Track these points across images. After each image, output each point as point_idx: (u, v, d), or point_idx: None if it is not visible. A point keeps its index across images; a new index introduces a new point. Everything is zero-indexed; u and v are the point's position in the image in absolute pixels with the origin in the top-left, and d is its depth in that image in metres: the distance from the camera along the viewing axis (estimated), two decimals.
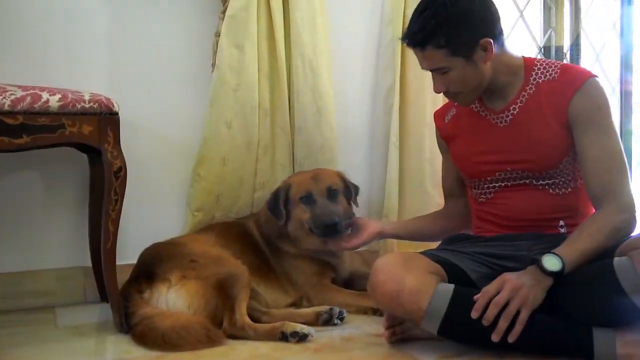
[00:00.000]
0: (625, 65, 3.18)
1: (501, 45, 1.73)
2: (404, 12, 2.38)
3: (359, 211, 2.24)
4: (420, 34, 1.68)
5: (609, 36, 3.19)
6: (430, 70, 1.75)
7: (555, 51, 3.05)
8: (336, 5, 2.38)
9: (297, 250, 2.10)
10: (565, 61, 3.05)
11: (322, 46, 2.28)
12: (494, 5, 1.72)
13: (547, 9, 3.02)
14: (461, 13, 1.66)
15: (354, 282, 2.22)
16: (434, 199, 2.42)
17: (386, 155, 2.40)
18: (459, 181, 1.99)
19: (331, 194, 2.06)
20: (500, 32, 1.73)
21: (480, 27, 1.68)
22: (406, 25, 2.34)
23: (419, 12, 1.70)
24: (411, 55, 2.36)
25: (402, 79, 2.40)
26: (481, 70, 1.71)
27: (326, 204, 2.03)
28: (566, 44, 3.07)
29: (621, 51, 3.18)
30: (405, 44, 1.77)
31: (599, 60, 3.17)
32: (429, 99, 2.38)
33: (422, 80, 2.37)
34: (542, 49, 3.03)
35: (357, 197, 2.17)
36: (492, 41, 1.67)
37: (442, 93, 1.79)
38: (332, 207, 2.02)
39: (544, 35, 3.04)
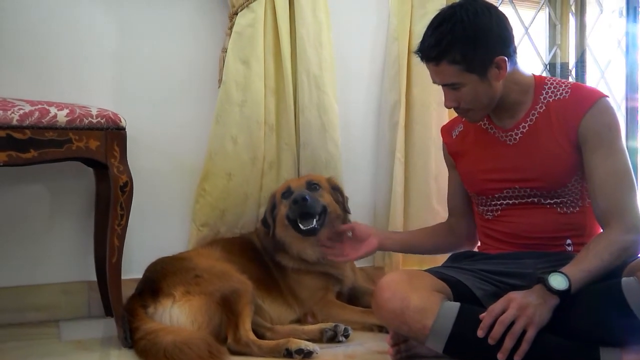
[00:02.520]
0: (630, 82, 3.18)
1: (514, 63, 1.73)
2: (410, 29, 2.39)
3: (367, 222, 2.28)
4: (436, 49, 1.66)
5: (614, 53, 3.19)
6: (442, 85, 1.74)
7: (561, 68, 3.06)
8: (342, 21, 2.39)
9: (297, 264, 2.09)
10: (570, 78, 3.06)
11: (328, 62, 2.29)
12: (509, 23, 1.72)
13: (552, 26, 3.04)
14: (479, 29, 1.65)
15: (357, 298, 2.21)
16: (440, 215, 2.40)
17: (391, 172, 2.40)
18: (465, 199, 1.98)
19: (310, 186, 2.06)
20: (515, 51, 1.73)
21: (496, 45, 1.67)
22: (412, 42, 2.38)
23: (435, 25, 1.69)
24: (417, 72, 2.39)
25: (407, 96, 2.40)
26: (494, 87, 1.71)
27: (302, 190, 2.02)
28: (571, 61, 3.08)
29: (626, 68, 3.17)
30: (418, 57, 1.75)
31: (604, 78, 3.18)
32: (435, 116, 2.38)
33: (428, 96, 2.38)
34: (548, 66, 3.04)
35: (347, 203, 2.16)
36: (506, 59, 1.67)
37: (451, 108, 1.79)
38: (307, 191, 2.01)
39: (550, 52, 3.05)
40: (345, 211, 2.15)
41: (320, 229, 2.02)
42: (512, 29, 1.72)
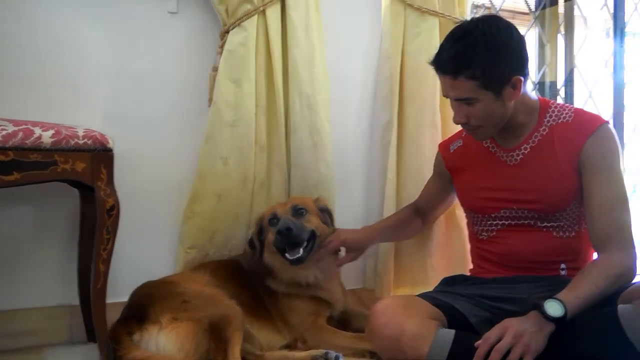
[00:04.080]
0: (617, 102, 3.20)
1: (525, 85, 1.72)
2: (402, 49, 2.38)
3: None
4: (455, 62, 1.64)
5: (601, 73, 3.21)
6: (455, 100, 1.71)
7: (550, 87, 3.07)
8: (335, 41, 2.37)
9: (287, 288, 2.05)
10: (559, 97, 3.07)
11: (321, 82, 2.26)
12: (526, 44, 1.71)
13: (541, 45, 3.05)
14: (501, 46, 1.63)
15: (348, 322, 2.18)
16: (432, 235, 2.39)
17: (383, 192, 2.37)
18: (433, 204, 2.17)
19: (296, 212, 2.03)
20: (528, 73, 1.72)
21: (515, 64, 1.66)
22: (405, 62, 2.37)
23: (456, 38, 1.66)
24: (410, 91, 2.38)
25: (400, 116, 2.38)
26: (506, 107, 1.70)
27: (288, 218, 1.99)
28: (560, 80, 3.09)
29: (613, 88, 3.19)
30: (434, 68, 1.72)
31: (592, 97, 3.19)
32: (428, 136, 2.36)
33: (422, 117, 2.37)
34: (537, 85, 3.05)
35: (334, 221, 2.14)
36: (522, 79, 1.66)
37: (459, 124, 1.77)
38: (292, 219, 1.99)
39: (539, 72, 3.06)
40: (334, 231, 2.12)
41: (308, 255, 1.99)
42: (527, 50, 1.71)
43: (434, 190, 2.13)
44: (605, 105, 3.20)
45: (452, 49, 1.65)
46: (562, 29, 3.06)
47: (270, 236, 2.02)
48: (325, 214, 2.11)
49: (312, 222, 2.04)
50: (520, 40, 1.68)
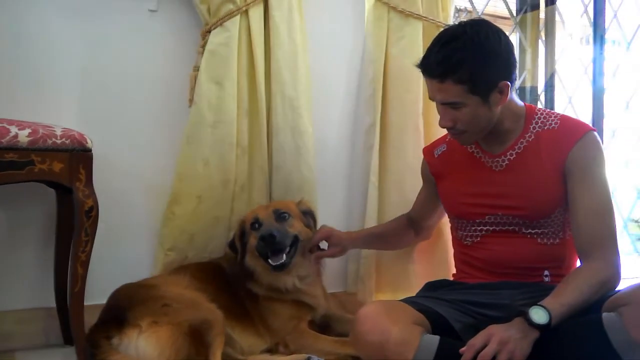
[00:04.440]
0: (597, 108, 3.23)
1: (512, 91, 1.72)
2: (386, 52, 2.36)
3: None
4: (443, 65, 1.62)
5: (580, 79, 3.25)
6: (441, 104, 1.70)
7: (530, 92, 3.08)
8: (318, 43, 2.34)
9: (268, 292, 2.02)
10: (539, 102, 3.09)
11: (304, 85, 2.24)
12: (514, 49, 1.70)
13: (522, 50, 3.06)
14: (489, 51, 1.63)
15: (330, 326, 2.16)
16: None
17: (365, 195, 2.36)
18: (428, 214, 2.12)
19: (279, 216, 2.01)
20: (516, 78, 1.72)
21: (502, 69, 1.66)
22: (388, 65, 2.36)
23: (443, 41, 1.65)
24: (393, 95, 2.36)
25: (382, 119, 2.36)
26: (493, 112, 1.69)
27: (271, 223, 1.97)
28: (540, 86, 3.11)
29: (593, 94, 3.23)
30: (421, 71, 1.70)
31: (571, 103, 3.22)
32: (411, 140, 2.35)
33: (405, 120, 2.36)
34: (518, 90, 3.06)
35: (317, 225, 2.13)
36: (510, 85, 1.66)
37: (444, 128, 1.75)
38: (275, 224, 1.97)
39: (519, 77, 3.07)
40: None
41: (291, 261, 1.98)
42: (515, 56, 1.70)
43: (424, 199, 2.10)
44: (585, 111, 3.24)
45: (439, 52, 1.63)
46: (542, 34, 3.08)
47: (253, 240, 2.00)
48: (309, 216, 2.09)
49: (295, 226, 2.02)
50: (508, 45, 1.67)
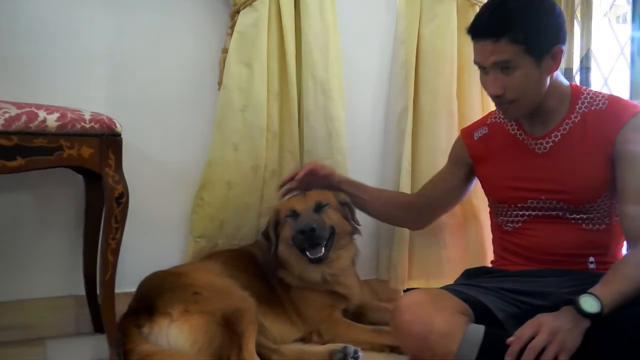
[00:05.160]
0: (635, 89, 3.12)
1: (558, 67, 1.67)
2: (418, 32, 2.29)
3: (371, 233, 2.29)
4: (500, 23, 1.58)
5: (617, 60, 3.13)
6: (493, 66, 1.62)
7: (565, 73, 2.98)
8: (349, 24, 2.27)
9: (300, 282, 1.98)
10: (575, 83, 2.99)
11: (335, 67, 2.17)
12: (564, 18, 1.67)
13: None
14: (546, 13, 1.60)
15: (364, 315, 2.11)
16: (447, 225, 2.32)
17: (398, 182, 2.30)
18: (441, 196, 2.01)
19: (317, 208, 1.96)
20: (564, 53, 1.66)
21: (556, 33, 1.63)
22: (421, 46, 2.28)
23: (497, 3, 1.62)
24: (425, 78, 2.29)
25: (415, 103, 2.29)
26: (544, 80, 1.64)
27: (309, 215, 1.92)
28: (575, 67, 3.01)
29: (630, 75, 3.11)
30: (472, 35, 1.65)
31: (607, 84, 3.11)
32: (444, 125, 2.28)
33: (437, 105, 2.29)
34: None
35: (355, 216, 2.06)
36: (563, 51, 1.62)
37: (494, 95, 1.68)
38: (315, 217, 1.92)
39: None
40: (354, 226, 2.04)
41: (328, 254, 1.93)
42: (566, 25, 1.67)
43: (448, 182, 2.00)
44: (621, 93, 3.13)
45: (494, 12, 1.61)
46: (578, 14, 2.97)
47: (288, 230, 1.95)
48: (346, 207, 2.03)
49: (332, 217, 1.98)
50: (560, 13, 1.65)
